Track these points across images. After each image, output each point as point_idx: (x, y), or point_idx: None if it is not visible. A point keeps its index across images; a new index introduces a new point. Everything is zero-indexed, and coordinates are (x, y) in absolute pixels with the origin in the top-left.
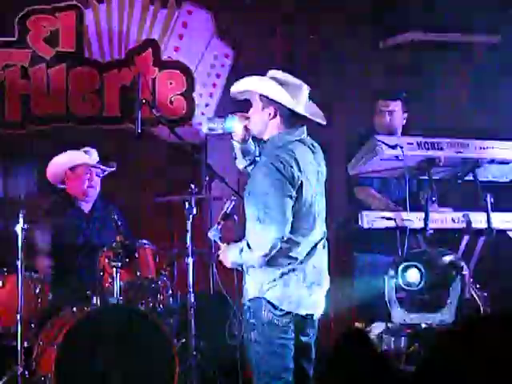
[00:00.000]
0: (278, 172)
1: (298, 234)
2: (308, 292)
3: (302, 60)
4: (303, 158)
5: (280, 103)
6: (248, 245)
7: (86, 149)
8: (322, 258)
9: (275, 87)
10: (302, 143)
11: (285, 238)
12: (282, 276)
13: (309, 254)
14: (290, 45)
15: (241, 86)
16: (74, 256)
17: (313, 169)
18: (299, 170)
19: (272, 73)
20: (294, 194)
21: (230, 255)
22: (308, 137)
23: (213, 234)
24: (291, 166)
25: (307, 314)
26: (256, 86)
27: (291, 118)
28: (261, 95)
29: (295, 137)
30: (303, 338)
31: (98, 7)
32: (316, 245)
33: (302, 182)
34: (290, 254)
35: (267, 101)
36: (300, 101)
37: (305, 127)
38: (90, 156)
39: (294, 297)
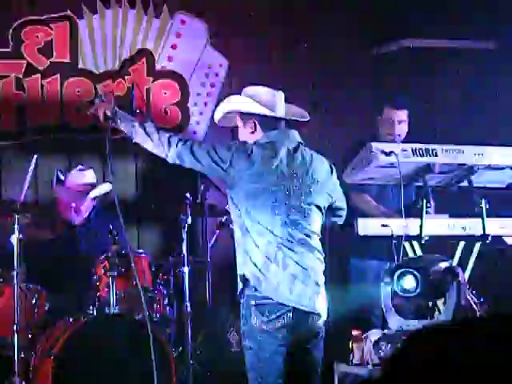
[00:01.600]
0: None
1: None
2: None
3: (297, 69)
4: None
5: (256, 114)
6: None
7: (81, 168)
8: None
9: (245, 100)
10: (275, 146)
11: None
12: None
13: None
14: (283, 54)
15: (218, 113)
16: (68, 266)
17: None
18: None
19: (244, 90)
20: None
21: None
22: (302, 145)
23: None
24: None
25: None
26: (228, 106)
27: (271, 125)
28: (240, 113)
29: (270, 139)
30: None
31: (91, 17)
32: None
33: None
34: None
35: (246, 116)
36: (276, 106)
37: (290, 132)
38: (80, 178)
39: None
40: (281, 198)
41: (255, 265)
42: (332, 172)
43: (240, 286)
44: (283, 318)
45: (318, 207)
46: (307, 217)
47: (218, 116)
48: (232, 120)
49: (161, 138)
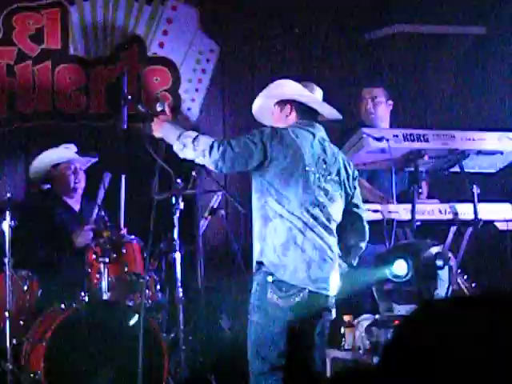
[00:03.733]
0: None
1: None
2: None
3: (288, 54)
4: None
5: (296, 101)
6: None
7: (65, 145)
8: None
9: (287, 84)
10: (309, 132)
11: None
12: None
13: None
14: (275, 39)
15: (259, 101)
16: (62, 253)
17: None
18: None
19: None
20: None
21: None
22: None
23: None
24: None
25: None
26: (280, 90)
27: (306, 114)
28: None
29: (303, 125)
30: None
31: (82, 4)
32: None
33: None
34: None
35: (283, 102)
36: (315, 91)
37: (320, 127)
38: (71, 151)
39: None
40: (312, 179)
41: (274, 251)
42: (354, 173)
43: (256, 267)
44: (298, 296)
45: (342, 197)
46: (332, 203)
47: (256, 107)
48: (266, 116)
49: (200, 146)
